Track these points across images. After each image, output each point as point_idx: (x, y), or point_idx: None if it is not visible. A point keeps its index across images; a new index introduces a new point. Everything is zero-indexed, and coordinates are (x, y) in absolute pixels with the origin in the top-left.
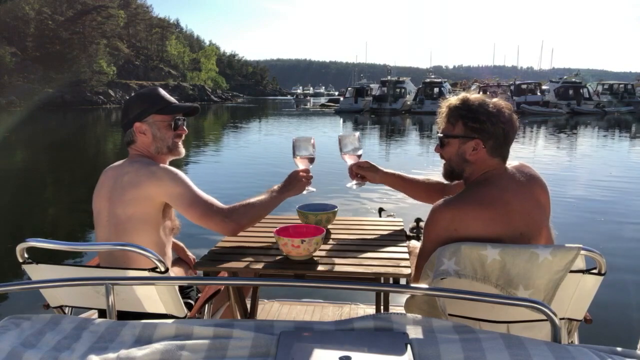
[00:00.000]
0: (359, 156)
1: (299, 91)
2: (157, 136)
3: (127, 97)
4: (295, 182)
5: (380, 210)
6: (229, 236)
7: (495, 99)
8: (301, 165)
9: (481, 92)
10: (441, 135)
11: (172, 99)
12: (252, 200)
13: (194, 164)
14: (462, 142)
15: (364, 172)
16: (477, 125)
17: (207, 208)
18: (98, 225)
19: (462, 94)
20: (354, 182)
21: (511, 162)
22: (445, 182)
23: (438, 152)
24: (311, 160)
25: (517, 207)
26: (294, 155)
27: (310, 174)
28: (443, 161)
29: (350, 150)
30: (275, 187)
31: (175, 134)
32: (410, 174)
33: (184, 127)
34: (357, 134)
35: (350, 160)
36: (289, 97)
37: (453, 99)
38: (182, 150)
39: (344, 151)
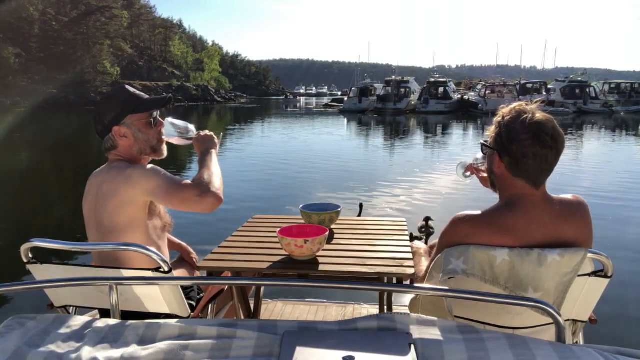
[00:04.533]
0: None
1: (300, 90)
2: (139, 137)
3: (96, 102)
4: (205, 140)
5: (361, 205)
6: (212, 209)
7: (539, 115)
8: (181, 142)
9: (489, 92)
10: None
11: (143, 94)
12: (206, 169)
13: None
14: (491, 152)
15: (482, 175)
16: (499, 138)
17: (182, 192)
18: (88, 229)
19: (516, 104)
20: (469, 173)
21: (565, 195)
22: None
23: None
24: (189, 139)
25: (540, 242)
26: (171, 138)
27: (201, 133)
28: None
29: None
30: (202, 154)
31: (157, 131)
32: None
33: (162, 121)
34: None
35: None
36: (290, 97)
37: (506, 108)
38: (165, 151)
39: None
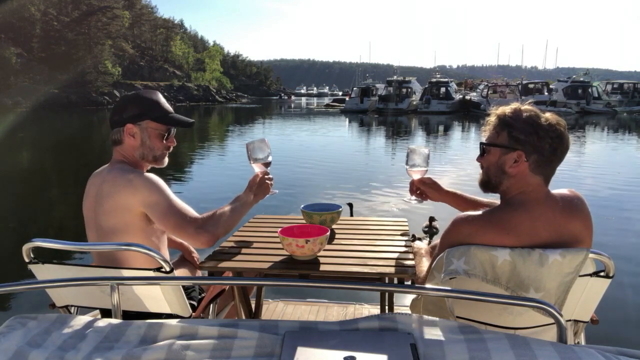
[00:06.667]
0: (424, 172)
1: (302, 91)
2: (146, 143)
3: (126, 94)
4: (259, 186)
5: (350, 205)
6: (202, 247)
7: (548, 114)
8: (257, 169)
9: (490, 92)
10: (483, 142)
11: (169, 108)
12: (224, 209)
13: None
14: (504, 152)
15: (425, 189)
16: (523, 136)
17: (181, 219)
18: (88, 229)
19: (515, 104)
20: (413, 197)
21: (560, 190)
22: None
23: (479, 161)
24: (267, 164)
25: (545, 240)
26: (250, 159)
27: (270, 175)
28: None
29: (417, 166)
30: (242, 194)
31: (165, 145)
32: (472, 195)
33: (174, 139)
34: (428, 150)
35: (415, 176)
36: (284, 97)
37: (505, 108)
38: (166, 161)
39: (410, 164)
